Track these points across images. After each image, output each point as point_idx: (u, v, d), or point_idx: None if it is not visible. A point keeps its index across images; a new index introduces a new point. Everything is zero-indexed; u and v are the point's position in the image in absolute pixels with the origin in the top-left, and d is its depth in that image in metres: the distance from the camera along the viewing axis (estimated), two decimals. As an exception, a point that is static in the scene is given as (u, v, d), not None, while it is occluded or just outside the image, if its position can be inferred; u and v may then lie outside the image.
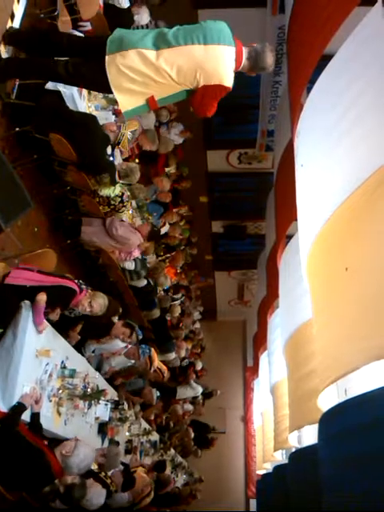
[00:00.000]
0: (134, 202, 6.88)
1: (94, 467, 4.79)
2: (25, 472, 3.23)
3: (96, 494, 3.88)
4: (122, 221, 6.06)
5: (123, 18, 5.41)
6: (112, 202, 5.53)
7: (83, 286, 4.25)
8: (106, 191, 5.41)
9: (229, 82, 3.64)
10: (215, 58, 3.54)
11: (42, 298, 3.70)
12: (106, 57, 3.48)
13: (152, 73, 3.49)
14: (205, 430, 13.77)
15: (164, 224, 8.48)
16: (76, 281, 4.22)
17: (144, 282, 7.54)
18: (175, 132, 8.14)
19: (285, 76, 7.28)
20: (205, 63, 3.52)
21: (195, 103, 3.70)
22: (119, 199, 5.59)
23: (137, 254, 6.68)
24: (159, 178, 7.86)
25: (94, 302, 4.31)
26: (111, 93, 3.61)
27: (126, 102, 3.58)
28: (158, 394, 8.66)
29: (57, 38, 3.99)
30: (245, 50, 3.66)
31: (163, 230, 8.60)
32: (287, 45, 5.98)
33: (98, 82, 3.62)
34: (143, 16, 5.82)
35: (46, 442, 3.69)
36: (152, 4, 6.29)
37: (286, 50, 6.32)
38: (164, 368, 7.78)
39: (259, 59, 3.68)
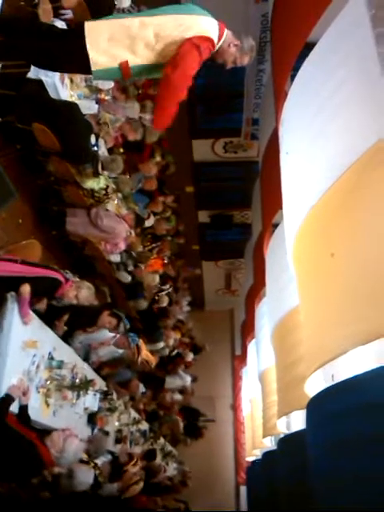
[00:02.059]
0: (119, 194, 6.85)
1: (84, 457, 4.82)
2: (16, 463, 3.23)
3: (83, 474, 3.91)
4: (107, 210, 6.01)
5: (104, 5, 5.33)
6: (96, 195, 5.50)
7: (69, 275, 4.24)
8: (90, 183, 5.37)
9: (214, 35, 3.42)
10: (199, 21, 3.41)
11: (25, 289, 3.67)
12: (86, 23, 3.32)
13: (132, 30, 3.29)
14: (195, 417, 13.82)
15: (149, 216, 8.43)
16: (62, 271, 4.20)
17: (128, 279, 7.58)
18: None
19: (269, 64, 7.25)
20: (189, 23, 3.35)
21: (175, 61, 3.33)
22: (104, 192, 5.56)
23: (123, 246, 6.65)
24: (145, 163, 7.78)
25: (80, 294, 4.31)
26: (88, 70, 3.37)
27: (98, 60, 3.33)
28: (144, 390, 8.70)
29: (38, 27, 3.86)
30: (227, 28, 3.54)
31: (148, 223, 8.56)
32: (271, 33, 5.96)
33: (77, 57, 3.36)
34: (124, 1, 5.73)
35: (34, 434, 3.69)
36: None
37: (269, 37, 6.30)
38: (151, 359, 7.79)
39: (242, 34, 3.57)
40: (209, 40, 3.40)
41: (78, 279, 4.46)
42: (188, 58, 3.34)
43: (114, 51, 3.32)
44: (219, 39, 3.48)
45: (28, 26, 3.68)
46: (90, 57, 3.30)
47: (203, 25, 3.43)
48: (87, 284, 4.50)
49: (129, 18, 3.40)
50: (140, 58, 3.37)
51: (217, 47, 3.50)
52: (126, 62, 3.35)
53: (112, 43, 3.31)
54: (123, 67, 3.36)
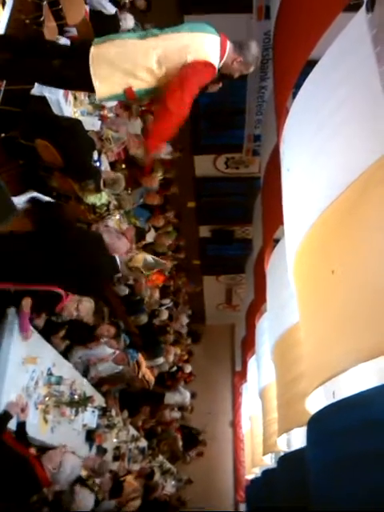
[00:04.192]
0: (121, 210, 6.86)
1: (83, 474, 4.77)
2: (11, 482, 3.19)
3: (84, 500, 3.87)
4: (107, 226, 5.98)
5: (109, 24, 5.41)
6: (98, 210, 5.50)
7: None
8: (92, 199, 5.36)
9: (215, 61, 3.48)
10: (201, 41, 3.46)
11: (27, 303, 3.65)
12: (92, 48, 3.39)
13: (137, 59, 3.37)
14: (193, 434, 13.72)
15: (149, 229, 8.42)
16: None
17: (126, 292, 7.52)
18: (164, 153, 8.11)
19: (271, 81, 7.33)
20: (191, 44, 3.42)
21: (175, 85, 3.34)
22: (105, 208, 5.56)
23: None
24: (147, 176, 7.78)
25: (81, 306, 4.25)
26: (93, 90, 3.47)
27: (104, 89, 3.44)
28: None
29: (42, 46, 3.93)
30: (229, 42, 3.57)
31: (149, 238, 8.55)
32: (273, 50, 6.01)
33: (82, 81, 3.47)
34: (128, 22, 5.84)
35: (33, 450, 3.65)
36: (139, 10, 6.33)
37: (271, 55, 6.36)
38: (151, 378, 7.75)
39: (244, 45, 3.58)
40: (210, 65, 3.44)
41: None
42: (187, 84, 3.38)
43: (118, 79, 3.40)
44: (222, 57, 3.51)
45: (33, 45, 3.75)
46: (96, 86, 3.39)
47: (206, 47, 3.46)
48: (87, 297, 4.46)
49: (133, 42, 3.44)
50: (145, 83, 3.43)
51: (220, 64, 3.53)
52: (131, 87, 3.42)
53: (117, 72, 3.38)
54: (128, 92, 3.45)
